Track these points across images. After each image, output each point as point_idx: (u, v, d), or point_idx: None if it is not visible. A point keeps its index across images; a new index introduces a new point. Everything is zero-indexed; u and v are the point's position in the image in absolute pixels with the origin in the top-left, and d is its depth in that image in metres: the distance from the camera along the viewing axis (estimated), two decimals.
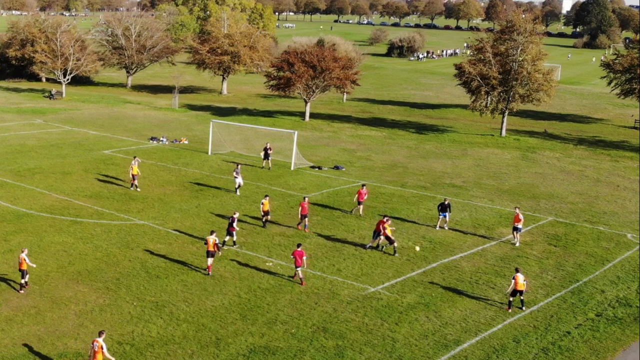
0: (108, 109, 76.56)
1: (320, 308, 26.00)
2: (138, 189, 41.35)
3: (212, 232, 29.33)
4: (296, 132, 50.92)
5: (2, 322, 23.77)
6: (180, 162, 49.85)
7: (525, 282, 26.62)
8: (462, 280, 29.48)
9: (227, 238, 32.21)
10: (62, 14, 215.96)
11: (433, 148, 60.50)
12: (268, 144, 49.06)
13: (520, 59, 65.43)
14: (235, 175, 41.78)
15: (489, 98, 68.66)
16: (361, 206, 38.25)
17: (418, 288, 28.38)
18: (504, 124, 68.50)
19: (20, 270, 26.37)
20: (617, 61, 78.35)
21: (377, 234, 32.45)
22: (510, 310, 26.54)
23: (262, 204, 35.54)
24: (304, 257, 27.95)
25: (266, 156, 48.53)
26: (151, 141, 57.65)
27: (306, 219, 35.30)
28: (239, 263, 30.21)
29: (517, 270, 26.98)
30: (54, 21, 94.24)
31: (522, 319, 25.87)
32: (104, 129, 62.50)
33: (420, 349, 23.25)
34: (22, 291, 26.31)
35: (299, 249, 28.01)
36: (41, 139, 56.78)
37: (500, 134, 67.93)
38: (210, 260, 28.82)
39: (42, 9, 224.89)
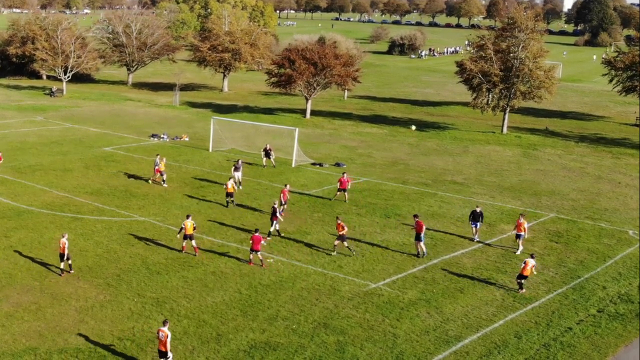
0: (109, 106, 76.50)
1: (321, 304, 25.95)
2: (165, 184, 41.95)
3: (187, 216, 30.43)
4: (297, 129, 50.85)
5: (2, 318, 23.74)
6: (181, 159, 49.78)
7: (533, 269, 27.64)
8: (463, 276, 29.42)
9: (272, 228, 33.08)
10: (63, 12, 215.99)
11: (434, 145, 60.42)
12: (268, 145, 48.77)
13: (522, 56, 65.33)
14: (234, 171, 41.95)
15: (490, 95, 68.57)
16: (340, 193, 39.81)
17: (419, 284, 28.32)
18: (505, 121, 68.41)
19: (60, 254, 27.47)
20: (618, 59, 78.31)
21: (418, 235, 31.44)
22: (522, 291, 27.57)
23: (226, 185, 37.86)
24: (262, 242, 29.20)
25: (267, 155, 48.35)
26: (152, 138, 57.59)
27: (284, 205, 36.30)
28: (240, 259, 30.16)
29: (531, 256, 27.76)
30: (55, 19, 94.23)
31: (523, 315, 25.82)
32: (105, 126, 62.43)
33: (422, 344, 23.19)
34: (63, 275, 27.41)
35: (257, 234, 28.94)
36: (42, 136, 56.74)
37: (502, 131, 67.84)
38: (193, 242, 30.16)
39: (43, 6, 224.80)
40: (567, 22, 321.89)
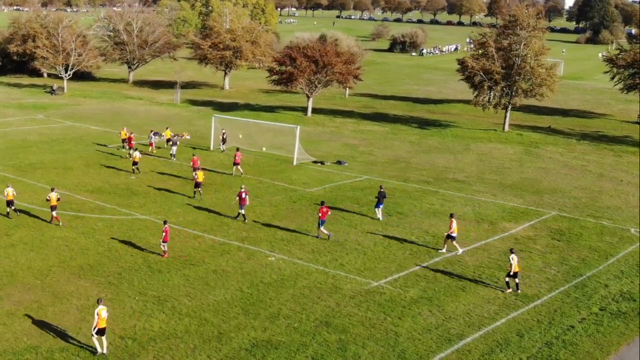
0: (109, 104, 76.47)
1: (322, 302, 25.90)
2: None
3: (52, 189, 33.94)
4: (299, 127, 50.79)
5: (3, 316, 23.69)
6: (182, 157, 49.69)
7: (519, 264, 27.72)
8: (465, 274, 29.36)
9: (242, 211, 35.26)
10: (64, 10, 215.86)
11: (435, 143, 60.36)
12: (224, 130, 53.19)
13: (523, 53, 65.24)
14: (172, 145, 48.95)
15: (491, 93, 68.48)
16: (237, 167, 44.51)
17: (421, 282, 28.27)
18: (507, 119, 68.36)
19: (8, 201, 33.57)
20: (620, 56, 78.23)
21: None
22: (510, 291, 27.38)
23: (134, 156, 44.05)
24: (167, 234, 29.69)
25: (223, 142, 52.42)
26: (154, 136, 57.37)
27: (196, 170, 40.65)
28: (242, 258, 30.12)
29: (511, 252, 27.65)
30: (56, 17, 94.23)
31: (525, 313, 25.76)
32: (106, 124, 62.39)
33: (424, 343, 23.14)
34: (11, 217, 33.39)
35: (167, 226, 29.51)
36: (43, 134, 56.72)
37: (503, 129, 67.78)
38: (54, 213, 33.20)
39: (44, 4, 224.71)
40: (568, 19, 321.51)
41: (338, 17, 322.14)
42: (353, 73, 73.36)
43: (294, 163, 49.01)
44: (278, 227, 34.52)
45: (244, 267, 29.09)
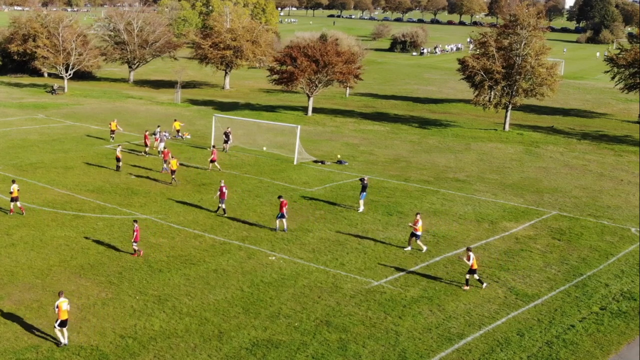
0: (110, 104, 76.46)
1: (323, 302, 25.91)
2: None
3: (13, 181, 34.99)
4: (299, 127, 50.77)
5: (4, 315, 23.71)
6: (183, 156, 49.69)
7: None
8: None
9: (223, 205, 35.97)
10: (64, 9, 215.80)
11: (436, 142, 60.34)
12: (229, 128, 52.90)
13: (524, 53, 65.21)
14: (160, 141, 49.18)
15: (492, 92, 68.45)
16: (213, 164, 45.50)
17: (421, 282, 28.27)
18: (507, 118, 68.32)
19: (13, 198, 34.10)
20: (620, 56, 78.25)
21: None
22: (467, 288, 27.58)
23: (117, 153, 44.97)
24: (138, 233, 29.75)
25: (227, 140, 52.22)
26: (153, 136, 57.39)
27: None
28: (242, 257, 30.12)
29: (468, 250, 27.85)
30: (56, 16, 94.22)
31: (526, 313, 25.76)
32: (106, 124, 62.19)
33: (424, 342, 23.14)
34: (11, 213, 34.35)
35: (137, 226, 29.61)
36: (43, 134, 56.72)
37: (504, 128, 67.75)
38: (18, 203, 34.43)
39: (44, 4, 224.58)
40: (569, 19, 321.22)
41: (337, 16, 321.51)
42: (353, 72, 73.33)
43: (295, 162, 49.00)
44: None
45: (244, 266, 29.10)
